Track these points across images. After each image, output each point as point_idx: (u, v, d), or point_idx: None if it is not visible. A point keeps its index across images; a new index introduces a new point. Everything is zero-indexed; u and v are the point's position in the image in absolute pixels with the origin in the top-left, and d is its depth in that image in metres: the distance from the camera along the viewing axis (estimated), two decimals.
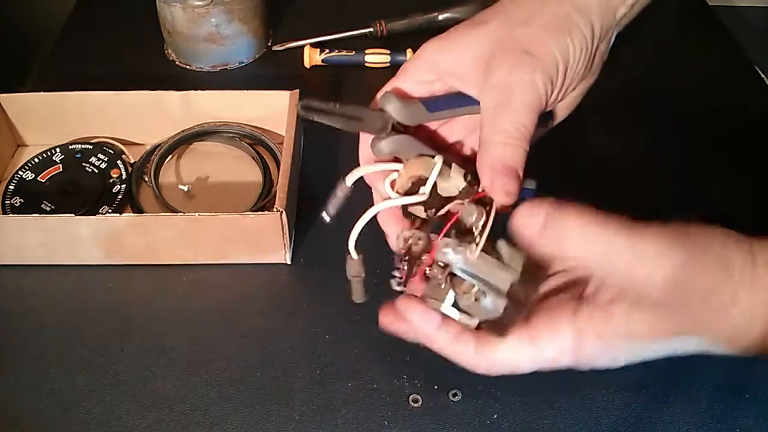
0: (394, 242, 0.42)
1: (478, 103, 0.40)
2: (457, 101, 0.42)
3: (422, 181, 0.40)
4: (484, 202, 0.39)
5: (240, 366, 0.52)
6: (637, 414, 0.49)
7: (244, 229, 0.55)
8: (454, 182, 0.41)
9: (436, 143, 0.44)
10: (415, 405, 0.49)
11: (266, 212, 0.54)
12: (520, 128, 0.38)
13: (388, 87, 0.43)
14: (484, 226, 0.38)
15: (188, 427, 0.48)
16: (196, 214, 0.54)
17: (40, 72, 0.80)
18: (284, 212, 0.54)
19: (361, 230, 0.41)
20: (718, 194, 0.65)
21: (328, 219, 0.43)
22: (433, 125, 0.45)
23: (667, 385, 0.50)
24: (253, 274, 0.58)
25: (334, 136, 0.71)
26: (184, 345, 0.53)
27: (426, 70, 0.42)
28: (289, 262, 0.58)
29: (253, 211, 0.58)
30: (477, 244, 0.37)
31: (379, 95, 0.43)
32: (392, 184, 0.42)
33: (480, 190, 0.39)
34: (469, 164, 0.41)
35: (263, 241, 0.56)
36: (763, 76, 0.79)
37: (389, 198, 0.42)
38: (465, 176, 0.40)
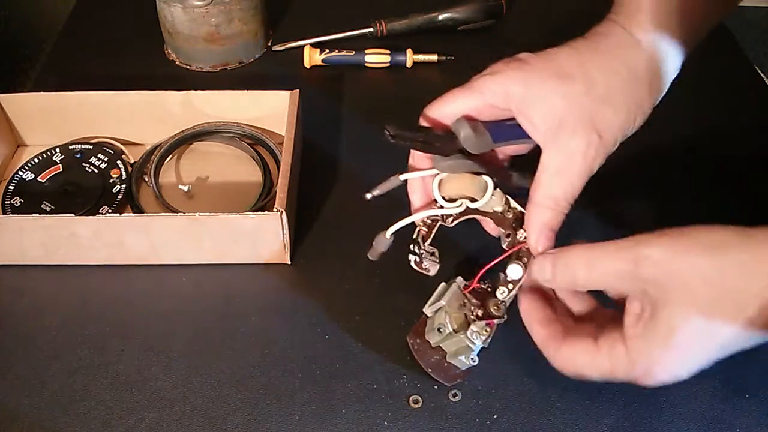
0: (415, 212, 0.48)
1: (532, 140, 0.44)
2: (518, 133, 0.45)
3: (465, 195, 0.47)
4: (520, 253, 0.46)
5: (240, 366, 0.52)
6: (637, 414, 0.49)
7: (244, 229, 0.55)
8: (492, 204, 0.47)
9: (484, 158, 0.48)
10: (415, 405, 0.49)
11: (266, 212, 0.54)
12: (569, 198, 0.44)
13: (459, 103, 0.46)
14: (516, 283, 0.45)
15: (188, 427, 0.48)
16: (196, 214, 0.54)
17: (40, 72, 0.80)
18: (284, 212, 0.54)
19: (404, 225, 0.47)
20: (718, 194, 0.65)
21: (369, 197, 0.47)
22: None
23: (667, 385, 0.50)
24: (253, 274, 0.58)
25: (334, 136, 0.71)
26: (184, 345, 0.53)
27: (500, 98, 0.44)
28: (289, 262, 0.58)
29: (253, 211, 0.58)
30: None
31: (446, 109, 0.46)
32: (439, 185, 0.47)
33: (521, 239, 0.46)
34: (500, 174, 0.47)
35: (263, 241, 0.56)
36: (763, 76, 0.79)
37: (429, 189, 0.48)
38: (505, 202, 0.47)
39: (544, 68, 0.44)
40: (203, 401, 0.50)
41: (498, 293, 0.46)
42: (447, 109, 0.46)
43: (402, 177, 0.48)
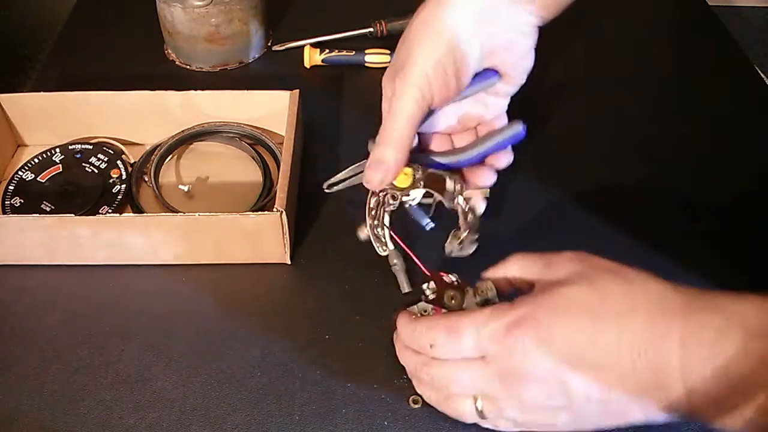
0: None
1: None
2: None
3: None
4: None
5: (240, 366, 0.52)
6: None
7: (244, 229, 0.55)
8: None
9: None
10: (415, 405, 0.49)
11: (266, 212, 0.54)
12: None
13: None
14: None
15: (188, 427, 0.48)
16: (196, 214, 0.54)
17: (40, 72, 0.80)
18: (284, 212, 0.54)
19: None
20: (718, 194, 0.65)
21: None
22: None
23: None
24: (253, 274, 0.58)
25: (334, 136, 0.71)
26: (184, 345, 0.53)
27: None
28: (289, 262, 0.58)
29: (253, 211, 0.58)
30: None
31: None
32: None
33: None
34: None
35: (263, 241, 0.56)
36: (763, 76, 0.79)
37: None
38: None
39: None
40: (203, 401, 0.50)
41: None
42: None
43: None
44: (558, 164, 0.68)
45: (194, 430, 0.48)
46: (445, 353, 0.42)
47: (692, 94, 0.76)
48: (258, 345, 0.53)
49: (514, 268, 0.45)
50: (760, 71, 0.79)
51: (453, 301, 0.47)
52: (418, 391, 0.47)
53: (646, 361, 0.36)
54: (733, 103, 0.75)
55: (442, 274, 0.49)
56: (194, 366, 0.52)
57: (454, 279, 0.49)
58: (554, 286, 0.40)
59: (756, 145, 0.70)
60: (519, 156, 0.53)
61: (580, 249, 0.43)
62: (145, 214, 0.60)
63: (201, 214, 0.54)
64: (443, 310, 0.47)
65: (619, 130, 0.72)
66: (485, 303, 0.46)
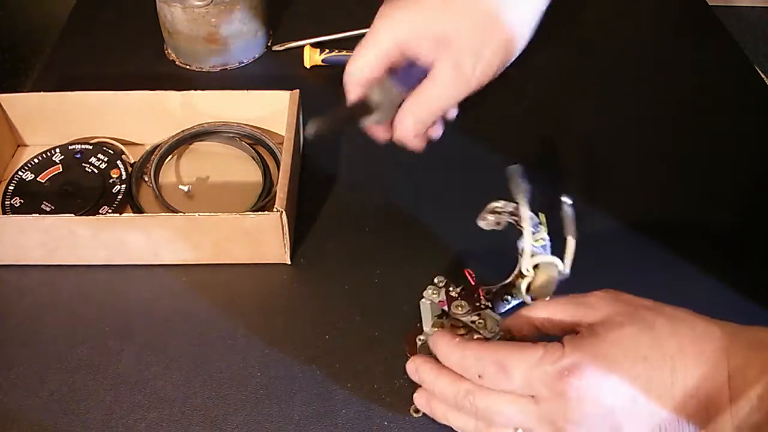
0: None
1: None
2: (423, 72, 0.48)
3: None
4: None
5: (240, 366, 0.52)
6: None
7: (244, 229, 0.55)
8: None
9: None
10: (417, 415, 0.49)
11: (266, 212, 0.54)
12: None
13: (366, 65, 0.49)
14: None
15: (188, 427, 0.48)
16: (196, 214, 0.54)
17: (40, 72, 0.80)
18: (284, 212, 0.54)
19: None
20: (718, 194, 0.65)
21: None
22: None
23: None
24: (253, 274, 0.58)
25: (334, 136, 0.71)
26: (184, 345, 0.53)
27: (392, 45, 0.49)
28: (289, 262, 0.58)
29: (253, 211, 0.58)
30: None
31: (357, 73, 0.50)
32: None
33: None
34: None
35: (263, 241, 0.56)
36: (763, 76, 0.79)
37: None
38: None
39: None
40: (203, 401, 0.50)
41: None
42: (358, 77, 0.49)
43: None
44: (550, 166, 0.68)
45: (194, 430, 0.48)
46: (493, 386, 0.41)
47: (692, 94, 0.76)
48: (258, 345, 0.53)
49: (543, 312, 0.43)
50: (760, 71, 0.79)
51: (460, 309, 0.48)
52: (448, 418, 0.44)
53: (697, 401, 0.36)
54: (733, 104, 0.75)
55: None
56: (194, 366, 0.52)
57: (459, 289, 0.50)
58: (601, 329, 0.39)
59: (756, 146, 0.70)
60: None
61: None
62: (145, 214, 0.60)
63: (201, 214, 0.54)
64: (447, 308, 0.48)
65: (619, 130, 0.72)
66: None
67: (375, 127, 0.51)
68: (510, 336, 0.45)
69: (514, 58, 0.48)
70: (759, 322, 0.38)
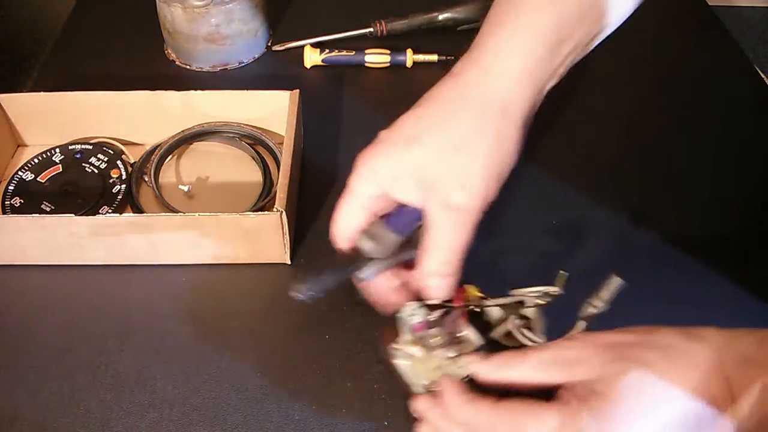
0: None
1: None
2: (417, 213, 0.45)
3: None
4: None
5: (240, 366, 0.52)
6: None
7: (244, 229, 0.55)
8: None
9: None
10: None
11: (266, 212, 0.54)
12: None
13: (351, 218, 0.46)
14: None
15: (188, 427, 0.48)
16: (196, 214, 0.54)
17: (40, 72, 0.80)
18: (284, 212, 0.54)
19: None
20: (718, 195, 0.65)
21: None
22: None
23: None
24: (253, 274, 0.58)
25: (334, 136, 0.71)
26: (184, 345, 0.53)
27: (376, 190, 0.45)
28: (289, 262, 0.58)
29: (253, 211, 0.58)
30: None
31: (345, 230, 0.47)
32: None
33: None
34: None
35: (263, 241, 0.56)
36: (763, 76, 0.79)
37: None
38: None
39: (392, 140, 0.44)
40: (203, 401, 0.50)
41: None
42: (345, 230, 0.46)
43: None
44: (550, 165, 0.68)
45: (194, 430, 0.48)
46: None
47: (692, 94, 0.76)
48: (258, 345, 0.53)
49: (520, 373, 0.41)
50: (760, 71, 0.79)
51: (434, 340, 0.46)
52: None
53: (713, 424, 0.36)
54: (733, 104, 0.75)
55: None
56: (194, 366, 0.52)
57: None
58: (601, 387, 0.38)
59: (756, 146, 0.70)
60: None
61: None
62: (145, 214, 0.60)
63: (201, 214, 0.54)
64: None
65: (619, 129, 0.72)
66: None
67: (376, 288, 0.48)
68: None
69: (513, 163, 0.44)
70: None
